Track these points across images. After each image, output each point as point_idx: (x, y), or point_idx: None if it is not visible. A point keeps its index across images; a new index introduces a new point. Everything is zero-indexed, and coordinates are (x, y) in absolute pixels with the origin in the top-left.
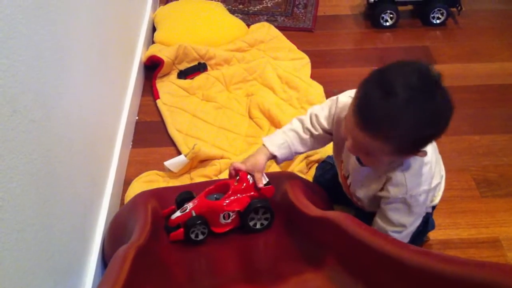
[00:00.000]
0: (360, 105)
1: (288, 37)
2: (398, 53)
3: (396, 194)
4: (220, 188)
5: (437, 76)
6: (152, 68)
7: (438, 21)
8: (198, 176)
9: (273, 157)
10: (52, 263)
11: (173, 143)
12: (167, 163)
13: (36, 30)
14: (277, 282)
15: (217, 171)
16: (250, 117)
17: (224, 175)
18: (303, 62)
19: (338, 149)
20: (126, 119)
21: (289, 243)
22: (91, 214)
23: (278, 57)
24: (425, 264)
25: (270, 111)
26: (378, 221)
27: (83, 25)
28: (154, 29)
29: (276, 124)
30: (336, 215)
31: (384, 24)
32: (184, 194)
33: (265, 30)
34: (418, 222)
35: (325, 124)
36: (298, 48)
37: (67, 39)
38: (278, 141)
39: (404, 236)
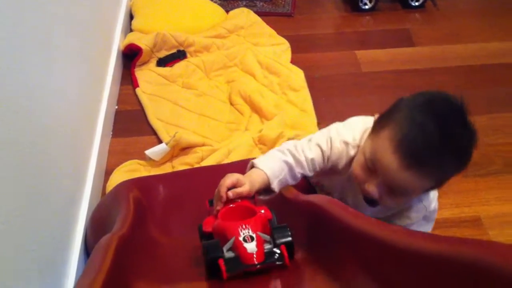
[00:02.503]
0: (409, 143)
1: (268, 23)
2: (378, 36)
3: (418, 217)
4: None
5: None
6: (130, 56)
7: (417, 3)
8: (180, 164)
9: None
10: (36, 254)
11: (154, 132)
12: (148, 152)
13: (15, 22)
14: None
15: (199, 159)
16: (231, 104)
17: (206, 163)
18: (283, 48)
19: (329, 183)
20: (106, 109)
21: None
22: (73, 205)
23: (258, 43)
24: (408, 243)
25: (251, 97)
26: None
27: (60, 15)
28: (131, 17)
29: (257, 110)
30: (320, 198)
31: (364, 7)
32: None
33: (244, 16)
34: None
35: (317, 168)
36: (278, 33)
37: (46, 30)
38: (278, 172)
39: None
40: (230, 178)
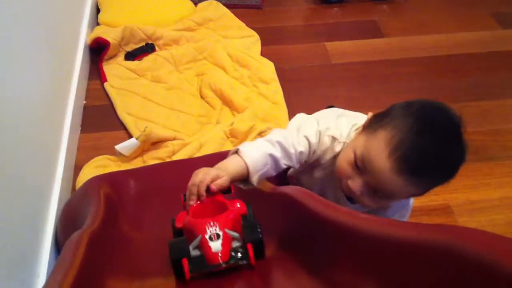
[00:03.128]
0: (406, 151)
1: (237, 15)
2: (347, 28)
3: (393, 216)
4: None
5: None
6: (98, 50)
7: None
8: (151, 159)
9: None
10: (5, 255)
11: (123, 127)
12: (118, 147)
13: None
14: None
15: (170, 153)
16: (202, 97)
17: (177, 157)
18: (253, 40)
19: (308, 179)
20: (73, 104)
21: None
22: (42, 202)
23: (227, 35)
24: (378, 230)
25: (222, 90)
26: None
27: (24, 7)
28: (98, 10)
29: (228, 103)
30: (292, 189)
31: None
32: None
33: (212, 8)
34: None
35: (303, 161)
36: (247, 25)
37: (8, 23)
38: (260, 167)
39: None
40: (210, 176)
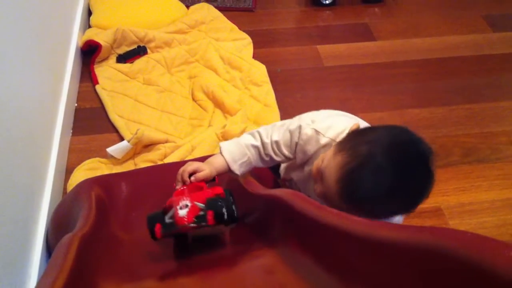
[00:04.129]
0: (351, 181)
1: (229, 18)
2: (339, 30)
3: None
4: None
5: (429, 153)
6: (89, 53)
7: None
8: (143, 162)
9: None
10: None
11: (115, 129)
12: (109, 150)
13: None
14: (227, 262)
15: (162, 155)
16: (194, 100)
17: (169, 159)
18: (245, 43)
19: (299, 178)
20: (65, 107)
21: (240, 224)
22: (33, 205)
23: (219, 38)
24: (369, 232)
25: (214, 93)
26: None
27: (14, 10)
28: (89, 12)
29: (220, 105)
30: (283, 192)
31: (324, 2)
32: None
33: (205, 11)
34: None
35: (285, 152)
36: (240, 28)
37: None
38: (239, 157)
39: None
40: (191, 166)
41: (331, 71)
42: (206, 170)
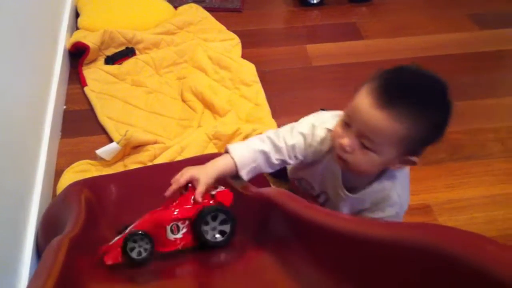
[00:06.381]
0: (385, 82)
1: (217, 18)
2: (327, 30)
3: (391, 212)
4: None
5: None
6: (77, 55)
7: None
8: (132, 163)
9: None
10: None
11: (104, 131)
12: (99, 152)
13: None
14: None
15: (152, 157)
16: (183, 100)
17: (159, 160)
18: (234, 43)
19: (310, 175)
20: (53, 109)
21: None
22: (22, 208)
23: (208, 38)
24: (357, 230)
25: (203, 94)
26: None
27: (0, 12)
28: (77, 14)
29: (209, 106)
30: (271, 191)
31: (311, 1)
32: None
33: (193, 11)
34: None
35: (299, 156)
36: (228, 28)
37: None
38: (249, 162)
39: None
40: (184, 178)
41: (319, 70)
42: (200, 186)
